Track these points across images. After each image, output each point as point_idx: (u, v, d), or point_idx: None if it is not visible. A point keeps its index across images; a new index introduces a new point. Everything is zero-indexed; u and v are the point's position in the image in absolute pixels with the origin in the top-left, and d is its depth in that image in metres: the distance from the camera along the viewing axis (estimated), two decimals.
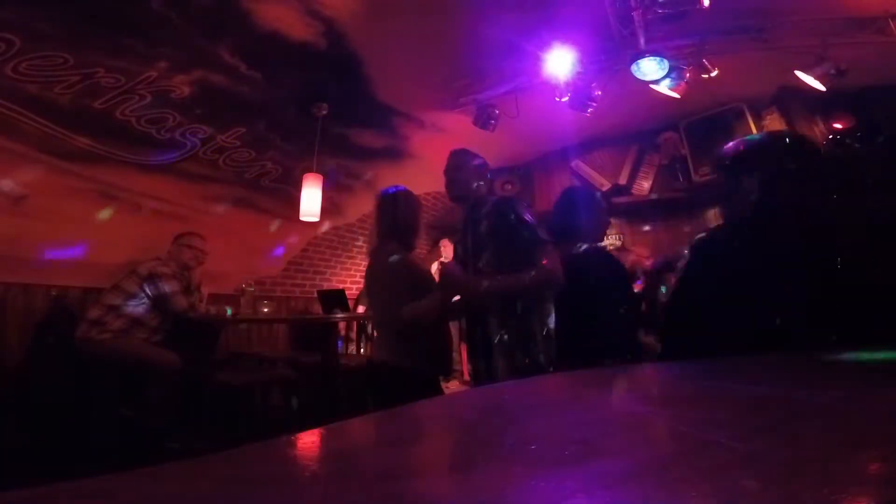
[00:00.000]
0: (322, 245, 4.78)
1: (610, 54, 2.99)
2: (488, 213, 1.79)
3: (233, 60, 2.70)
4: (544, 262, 1.64)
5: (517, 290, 1.65)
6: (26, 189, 2.70)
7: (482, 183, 1.90)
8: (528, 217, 1.73)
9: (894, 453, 0.49)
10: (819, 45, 2.68)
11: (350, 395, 2.98)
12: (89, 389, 2.67)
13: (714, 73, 2.93)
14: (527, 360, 1.62)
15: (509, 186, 4.94)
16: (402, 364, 1.77)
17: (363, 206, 4.49)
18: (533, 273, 1.62)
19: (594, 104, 3.14)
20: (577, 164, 4.73)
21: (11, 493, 0.34)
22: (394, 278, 1.83)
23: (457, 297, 1.75)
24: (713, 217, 4.51)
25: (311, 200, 3.44)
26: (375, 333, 2.26)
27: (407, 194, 1.99)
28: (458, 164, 1.90)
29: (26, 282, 2.91)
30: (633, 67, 2.84)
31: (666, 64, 2.82)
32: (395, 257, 1.84)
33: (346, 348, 4.58)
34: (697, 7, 2.35)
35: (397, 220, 1.91)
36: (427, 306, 1.73)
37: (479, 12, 2.60)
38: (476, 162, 1.91)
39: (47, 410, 2.59)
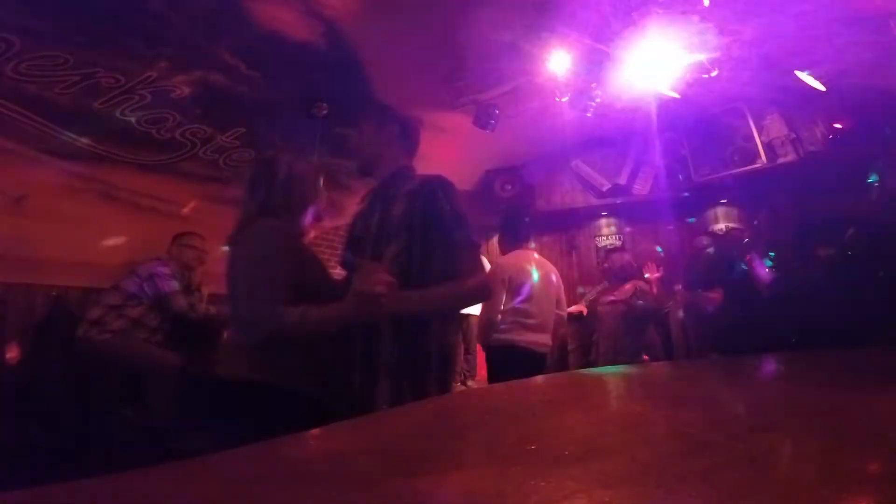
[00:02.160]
0: (322, 245, 4.77)
1: (610, 54, 2.99)
2: (410, 193, 1.33)
3: (233, 60, 2.69)
4: (474, 271, 1.30)
5: (450, 307, 1.34)
6: (26, 189, 2.70)
7: (401, 149, 1.50)
8: (461, 210, 1.32)
9: (894, 453, 0.49)
10: (819, 44, 2.68)
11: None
12: (89, 389, 2.66)
13: (714, 74, 2.93)
14: (416, 384, 1.24)
15: (509, 186, 4.93)
16: (270, 383, 1.23)
17: None
18: (468, 286, 1.27)
19: (594, 104, 3.14)
20: (577, 164, 4.73)
21: (11, 493, 0.34)
22: (273, 265, 1.27)
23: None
24: (713, 217, 4.52)
25: None
26: (229, 343, 1.52)
27: (293, 158, 1.47)
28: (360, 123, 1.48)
29: (26, 282, 2.90)
30: (633, 67, 2.85)
31: (666, 64, 2.82)
32: (272, 235, 1.33)
33: None
34: (697, 7, 2.36)
35: (274, 191, 1.38)
36: (328, 318, 1.21)
37: (480, 12, 2.60)
38: (391, 122, 1.51)
39: (47, 410, 2.59)
